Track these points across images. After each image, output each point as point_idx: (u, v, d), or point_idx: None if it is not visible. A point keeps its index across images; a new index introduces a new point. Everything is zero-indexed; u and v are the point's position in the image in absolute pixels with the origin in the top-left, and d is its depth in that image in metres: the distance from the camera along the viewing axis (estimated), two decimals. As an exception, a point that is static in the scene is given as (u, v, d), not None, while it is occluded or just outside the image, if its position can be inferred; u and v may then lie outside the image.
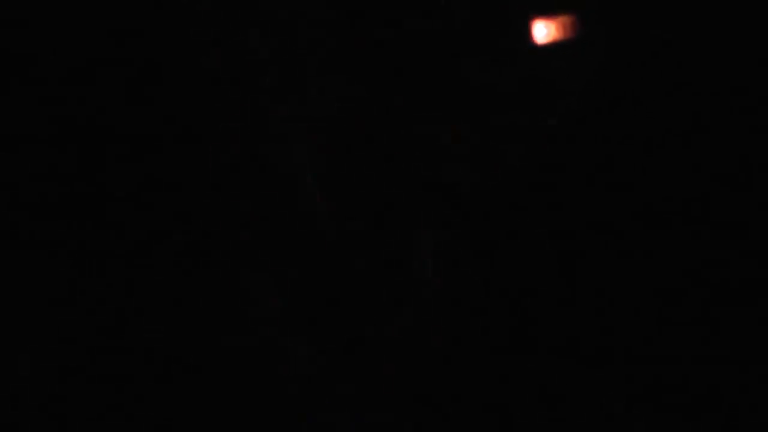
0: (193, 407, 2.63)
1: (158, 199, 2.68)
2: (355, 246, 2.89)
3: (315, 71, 2.87)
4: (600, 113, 2.93)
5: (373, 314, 2.86)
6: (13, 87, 2.67)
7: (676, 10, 2.88)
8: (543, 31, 2.95)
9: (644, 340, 2.84)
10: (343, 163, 2.92)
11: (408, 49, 2.89)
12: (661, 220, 2.86)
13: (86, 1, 2.72)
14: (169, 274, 2.69)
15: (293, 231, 2.82)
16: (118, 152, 2.70)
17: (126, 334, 2.65)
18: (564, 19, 2.96)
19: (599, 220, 2.88)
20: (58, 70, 2.69)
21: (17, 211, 2.63)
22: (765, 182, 2.82)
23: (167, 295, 2.67)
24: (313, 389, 2.73)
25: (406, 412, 2.80)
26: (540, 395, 2.84)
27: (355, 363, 2.81)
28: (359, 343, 2.83)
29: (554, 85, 2.97)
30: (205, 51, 2.78)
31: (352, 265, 2.88)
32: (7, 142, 2.65)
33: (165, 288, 2.67)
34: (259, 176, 2.82)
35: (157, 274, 2.68)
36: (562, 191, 2.91)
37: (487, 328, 2.88)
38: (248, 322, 2.71)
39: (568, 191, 2.91)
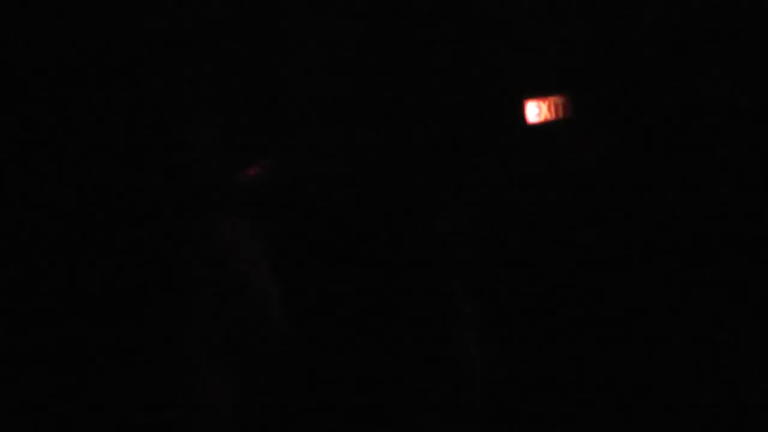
0: (194, 407, 2.63)
1: (159, 199, 2.68)
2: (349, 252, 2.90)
3: (316, 76, 2.89)
4: (599, 115, 2.95)
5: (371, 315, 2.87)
6: (13, 87, 2.67)
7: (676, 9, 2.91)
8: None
9: (644, 340, 2.85)
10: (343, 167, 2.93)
11: (410, 53, 2.90)
12: (661, 219, 2.88)
13: (86, 1, 2.73)
14: (167, 274, 2.68)
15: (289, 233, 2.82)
16: (116, 152, 2.69)
17: (124, 334, 2.64)
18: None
19: (599, 220, 2.90)
20: (58, 70, 2.69)
21: (17, 211, 2.63)
22: (765, 182, 2.84)
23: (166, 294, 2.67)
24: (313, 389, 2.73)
25: (404, 412, 2.81)
26: (541, 395, 2.85)
27: (354, 365, 2.82)
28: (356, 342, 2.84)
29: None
30: (205, 52, 2.79)
31: (350, 264, 2.88)
32: (6, 141, 2.65)
33: (163, 287, 2.67)
34: (258, 180, 2.82)
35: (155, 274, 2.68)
36: (563, 191, 2.92)
37: (487, 328, 2.89)
38: (248, 321, 2.71)
39: (568, 191, 2.92)
